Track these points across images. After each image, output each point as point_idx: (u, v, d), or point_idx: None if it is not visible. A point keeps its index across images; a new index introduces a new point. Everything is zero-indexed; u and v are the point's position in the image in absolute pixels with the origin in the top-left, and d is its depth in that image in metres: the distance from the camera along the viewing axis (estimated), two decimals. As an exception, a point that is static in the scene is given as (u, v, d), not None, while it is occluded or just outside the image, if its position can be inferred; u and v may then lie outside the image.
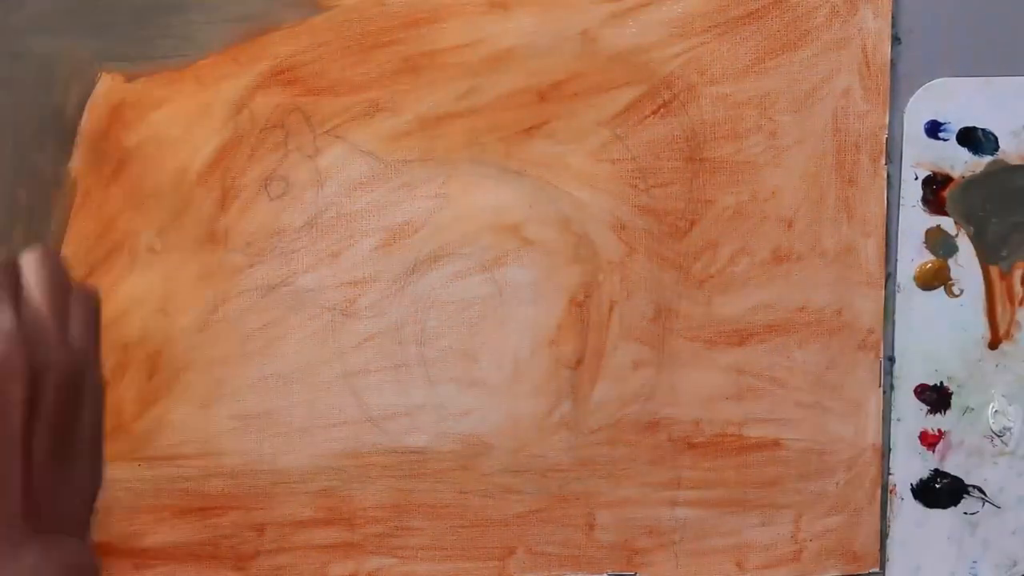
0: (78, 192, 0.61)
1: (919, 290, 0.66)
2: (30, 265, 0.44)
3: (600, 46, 0.62)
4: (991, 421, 0.66)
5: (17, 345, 0.41)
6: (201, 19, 0.60)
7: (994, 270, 0.66)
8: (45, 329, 0.42)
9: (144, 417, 0.63)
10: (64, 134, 0.60)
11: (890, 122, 0.64)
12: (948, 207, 0.65)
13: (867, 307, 0.65)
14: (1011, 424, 0.66)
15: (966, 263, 0.65)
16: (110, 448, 0.62)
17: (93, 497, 0.45)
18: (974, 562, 0.68)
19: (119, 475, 0.63)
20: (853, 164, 0.64)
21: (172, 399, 0.63)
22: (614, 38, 0.62)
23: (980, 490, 0.67)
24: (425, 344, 0.64)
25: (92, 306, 0.45)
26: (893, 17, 0.63)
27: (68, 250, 0.61)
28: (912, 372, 0.66)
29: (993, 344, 0.66)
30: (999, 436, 0.66)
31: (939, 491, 0.67)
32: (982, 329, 0.66)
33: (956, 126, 0.64)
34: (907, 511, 0.67)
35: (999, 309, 0.66)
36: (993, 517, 0.67)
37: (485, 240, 0.64)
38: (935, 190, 0.65)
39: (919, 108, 0.64)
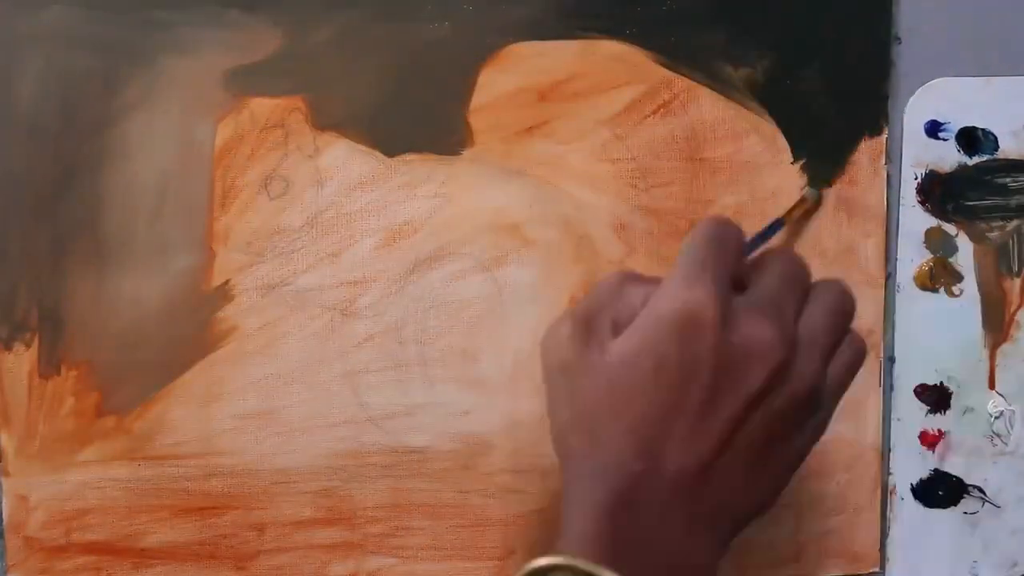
0: (78, 192, 0.61)
1: (919, 290, 0.66)
2: (828, 290, 0.45)
3: (600, 46, 0.62)
4: (990, 409, 0.66)
5: (790, 347, 0.42)
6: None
7: (994, 270, 0.66)
8: (816, 348, 0.43)
9: (144, 417, 0.63)
10: (64, 133, 0.60)
11: (890, 122, 0.64)
12: (948, 207, 0.65)
13: (867, 307, 0.65)
14: (1010, 407, 0.66)
15: (966, 263, 0.65)
16: (110, 448, 0.63)
17: (748, 517, 0.45)
18: (974, 562, 0.68)
19: (119, 475, 0.63)
20: (853, 164, 0.64)
21: (172, 399, 0.63)
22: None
23: (980, 490, 0.67)
24: (425, 344, 0.64)
25: (857, 358, 0.46)
26: (893, 17, 0.63)
27: (68, 250, 0.61)
28: (912, 372, 0.66)
29: (993, 344, 0.66)
30: (997, 419, 0.66)
31: (939, 491, 0.67)
32: (982, 329, 0.66)
33: (956, 126, 0.65)
34: (907, 511, 0.67)
35: (999, 309, 0.66)
36: (993, 517, 0.67)
37: (485, 240, 0.64)
38: (935, 190, 0.65)
39: (919, 108, 0.64)
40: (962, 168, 0.65)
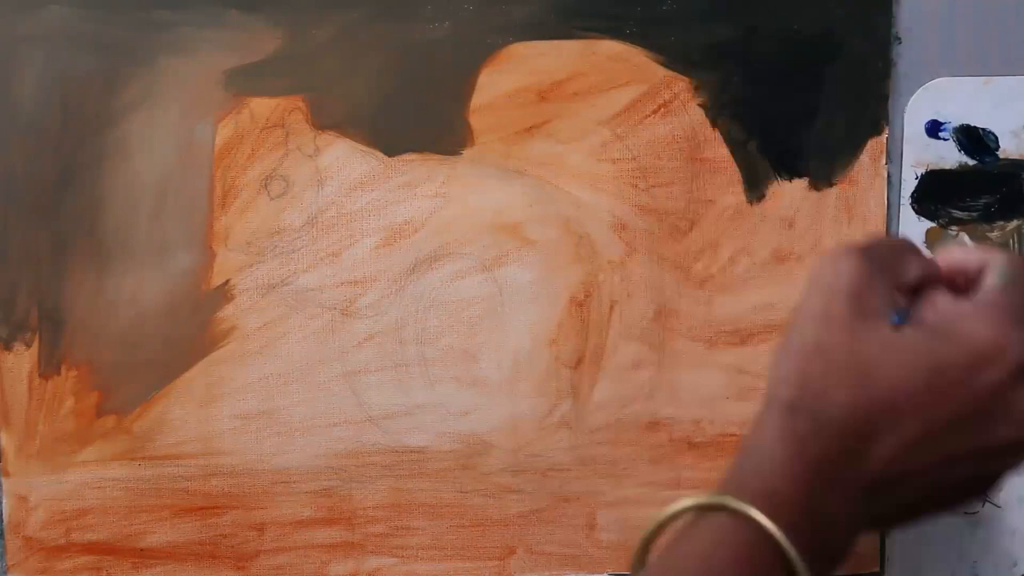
0: (78, 191, 0.61)
1: (919, 290, 0.65)
2: None
3: (600, 46, 0.62)
4: None
5: None
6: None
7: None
8: None
9: (144, 417, 0.63)
10: (64, 133, 0.60)
11: (890, 122, 0.64)
12: (948, 207, 0.65)
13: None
14: None
15: (966, 263, 0.65)
16: (110, 448, 0.63)
17: (908, 523, 0.45)
18: (974, 562, 0.68)
19: (119, 475, 0.63)
20: (853, 164, 0.64)
21: (172, 399, 0.63)
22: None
23: (980, 490, 0.67)
24: (425, 343, 0.64)
25: None
26: (893, 17, 0.63)
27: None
28: (912, 372, 0.66)
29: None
30: None
31: (939, 491, 0.67)
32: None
33: (956, 126, 0.64)
34: (907, 511, 0.67)
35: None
36: (993, 517, 0.67)
37: (485, 240, 0.64)
38: (935, 190, 0.65)
39: (919, 108, 0.64)
40: (962, 168, 0.65)
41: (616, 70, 0.63)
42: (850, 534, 0.42)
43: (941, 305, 0.43)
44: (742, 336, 0.65)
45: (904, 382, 0.41)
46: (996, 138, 0.65)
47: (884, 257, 0.43)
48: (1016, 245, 0.65)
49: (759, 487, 0.41)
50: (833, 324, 0.41)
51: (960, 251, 0.46)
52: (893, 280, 0.43)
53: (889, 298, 0.43)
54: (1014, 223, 0.65)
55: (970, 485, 0.44)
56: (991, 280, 0.43)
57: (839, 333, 0.41)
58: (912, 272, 0.44)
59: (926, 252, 0.46)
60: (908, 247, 0.45)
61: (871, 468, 0.41)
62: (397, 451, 0.64)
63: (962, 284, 0.45)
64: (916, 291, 0.44)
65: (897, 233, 0.65)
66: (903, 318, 0.42)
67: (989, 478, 0.44)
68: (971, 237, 0.65)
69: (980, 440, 0.41)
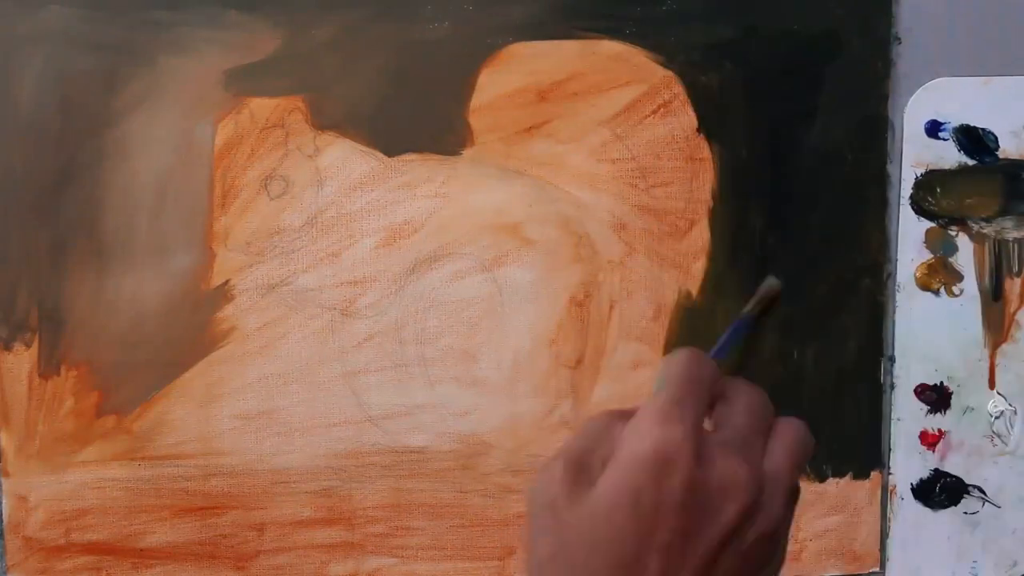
0: (78, 191, 0.61)
1: (919, 290, 0.66)
2: (789, 428, 0.45)
3: (600, 46, 0.62)
4: (990, 409, 0.66)
5: (759, 485, 0.43)
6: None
7: (993, 269, 0.66)
8: (780, 486, 0.44)
9: (144, 417, 0.63)
10: (64, 133, 0.61)
11: (890, 122, 0.64)
12: (948, 206, 0.65)
13: (867, 307, 0.65)
14: (1010, 406, 0.66)
15: (966, 263, 0.65)
16: (110, 448, 0.63)
17: None
18: (974, 562, 0.68)
19: (119, 475, 0.63)
20: (853, 164, 0.64)
21: (172, 399, 0.63)
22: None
23: (980, 490, 0.67)
24: (425, 344, 0.64)
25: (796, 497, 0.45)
26: (893, 17, 0.63)
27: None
28: (912, 372, 0.66)
29: (993, 344, 0.66)
30: (997, 418, 0.66)
31: (939, 491, 0.67)
32: (982, 329, 0.66)
33: (955, 126, 0.64)
34: (907, 511, 0.67)
35: (999, 309, 0.66)
36: (993, 517, 0.67)
37: (485, 240, 0.64)
38: (935, 190, 0.65)
39: (919, 108, 0.64)
40: (962, 167, 0.65)
41: (616, 70, 0.63)
42: None
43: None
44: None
45: (619, 534, 0.42)
46: (996, 138, 0.65)
47: (583, 452, 0.44)
48: (1016, 245, 0.65)
49: None
50: (548, 532, 0.43)
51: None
52: (599, 463, 0.44)
53: (589, 481, 0.43)
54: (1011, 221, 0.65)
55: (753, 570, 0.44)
56: (734, 415, 0.44)
57: (555, 534, 0.42)
58: (611, 446, 0.44)
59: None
60: (608, 422, 0.45)
61: None
62: (397, 451, 0.64)
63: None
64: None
65: (897, 233, 0.65)
66: (721, 351, 0.44)
67: (768, 557, 0.44)
68: (971, 237, 0.65)
69: (716, 531, 0.42)
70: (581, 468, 0.44)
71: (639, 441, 0.42)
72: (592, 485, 0.43)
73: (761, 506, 0.43)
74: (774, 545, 0.44)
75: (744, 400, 0.45)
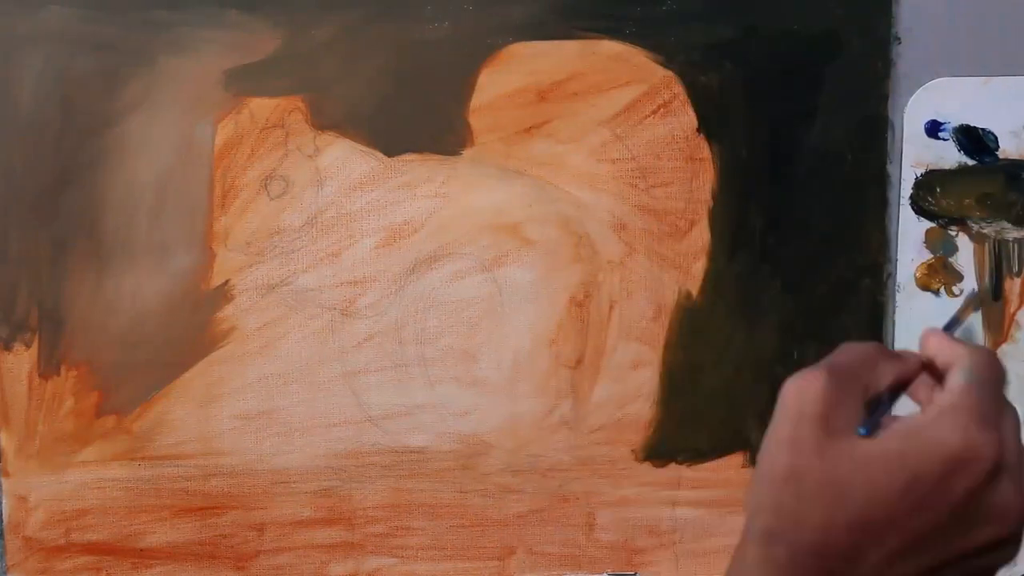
0: (78, 192, 0.61)
1: (919, 290, 0.66)
2: None
3: (600, 46, 0.62)
4: None
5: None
6: (201, 19, 0.60)
7: (993, 269, 0.66)
8: None
9: (144, 417, 0.63)
10: (64, 133, 0.61)
11: (890, 122, 0.64)
12: (948, 206, 0.65)
13: (867, 307, 0.65)
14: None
15: (966, 263, 0.65)
16: (110, 448, 0.63)
17: None
18: (974, 562, 0.67)
19: (119, 475, 0.63)
20: (853, 164, 0.64)
21: (172, 399, 0.63)
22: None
23: (980, 490, 0.67)
24: (425, 344, 0.64)
25: None
26: (893, 17, 0.63)
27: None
28: (912, 372, 0.66)
29: (993, 344, 0.66)
30: None
31: (939, 491, 0.67)
32: (982, 329, 0.66)
33: (955, 126, 0.64)
34: (907, 511, 0.67)
35: (999, 309, 0.66)
36: (993, 517, 0.67)
37: (485, 240, 0.64)
38: (935, 190, 0.65)
39: (919, 108, 0.64)
40: (962, 167, 0.65)
41: (616, 70, 0.63)
42: None
43: (908, 416, 0.43)
44: (742, 336, 0.65)
45: (878, 497, 0.41)
46: (996, 138, 0.65)
47: (851, 372, 0.44)
48: (1016, 245, 0.65)
49: None
50: (803, 448, 0.42)
51: (933, 343, 0.46)
52: (862, 394, 0.44)
53: (857, 414, 0.43)
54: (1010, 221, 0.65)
55: None
56: (956, 379, 0.43)
57: (809, 456, 0.41)
58: (883, 379, 0.45)
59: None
60: (876, 355, 0.45)
61: None
62: (397, 451, 0.64)
63: (935, 374, 0.45)
64: (895, 389, 0.45)
65: (897, 233, 0.65)
66: (870, 430, 0.43)
67: (983, 573, 0.44)
68: (971, 237, 0.65)
69: (963, 544, 0.42)
70: (847, 389, 0.42)
71: (950, 432, 0.41)
72: (854, 417, 0.42)
73: (1009, 544, 0.42)
74: (992, 573, 0.44)
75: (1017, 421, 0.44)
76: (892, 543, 0.41)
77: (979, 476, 0.41)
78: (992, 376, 0.43)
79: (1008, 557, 0.43)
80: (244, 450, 0.64)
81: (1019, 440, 0.43)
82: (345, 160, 0.62)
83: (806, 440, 0.41)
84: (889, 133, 0.64)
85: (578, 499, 0.65)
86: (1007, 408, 0.43)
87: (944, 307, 0.66)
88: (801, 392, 0.42)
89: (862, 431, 0.42)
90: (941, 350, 0.45)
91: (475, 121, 0.62)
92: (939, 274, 0.65)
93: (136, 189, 0.61)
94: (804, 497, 0.41)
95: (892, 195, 0.65)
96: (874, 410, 0.44)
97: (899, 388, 0.45)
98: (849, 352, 0.44)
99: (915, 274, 0.65)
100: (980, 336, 0.66)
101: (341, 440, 0.64)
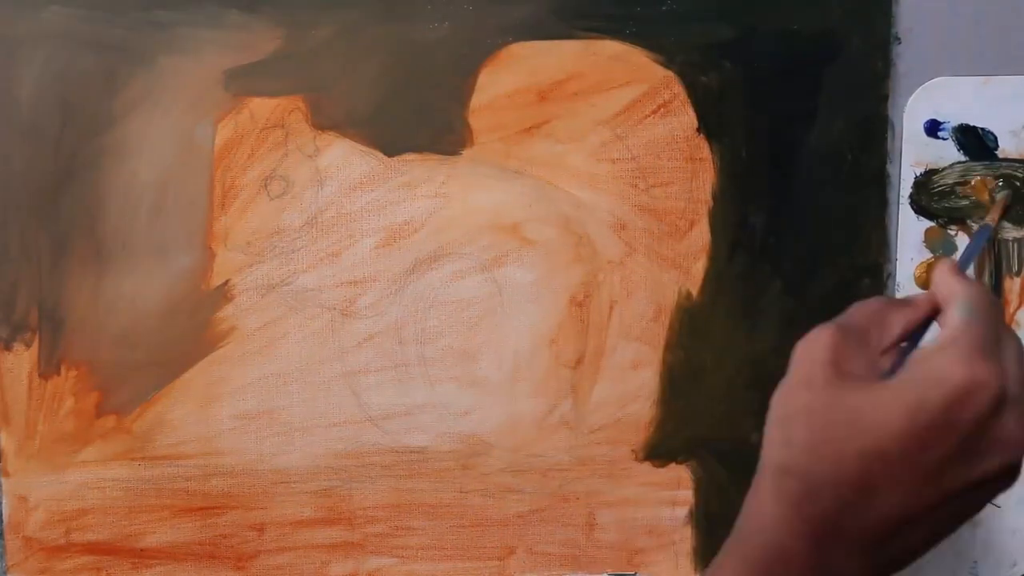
0: (78, 191, 0.61)
1: (919, 290, 0.66)
2: None
3: (600, 46, 0.62)
4: None
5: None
6: (201, 19, 0.60)
7: (993, 269, 0.66)
8: None
9: (144, 417, 0.63)
10: (64, 133, 0.61)
11: (890, 122, 0.64)
12: (948, 206, 0.65)
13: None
14: None
15: (966, 263, 0.65)
16: (110, 448, 0.63)
17: (904, 564, 0.45)
18: (974, 562, 0.68)
19: (119, 475, 0.63)
20: (853, 164, 0.64)
21: (172, 399, 0.63)
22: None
23: (980, 490, 0.67)
24: (425, 344, 0.64)
25: None
26: (893, 17, 0.63)
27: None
28: (912, 372, 0.66)
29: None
30: None
31: (939, 491, 0.67)
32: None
33: (955, 125, 0.64)
34: (907, 511, 0.67)
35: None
36: (993, 517, 0.67)
37: (485, 240, 0.64)
38: (935, 189, 0.65)
39: (919, 107, 0.64)
40: (962, 167, 0.65)
41: (616, 70, 0.63)
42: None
43: (917, 352, 0.44)
44: (742, 336, 0.65)
45: (888, 430, 0.42)
46: (995, 138, 0.65)
47: (860, 326, 0.45)
48: (1016, 245, 0.65)
49: (762, 543, 0.43)
50: (815, 386, 0.43)
51: (936, 278, 0.47)
52: (874, 345, 0.45)
53: (869, 363, 0.44)
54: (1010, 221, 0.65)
55: (967, 512, 0.45)
56: (955, 315, 0.44)
57: (822, 394, 0.43)
58: (895, 330, 0.46)
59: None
60: (884, 307, 0.46)
61: (872, 519, 0.42)
62: (397, 451, 0.64)
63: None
64: (916, 334, 0.46)
65: (897, 232, 0.65)
66: (893, 371, 0.44)
67: (983, 502, 0.45)
68: (969, 238, 0.65)
69: (973, 473, 0.42)
70: (856, 340, 0.44)
71: (952, 365, 0.42)
72: (870, 368, 0.43)
73: (1009, 473, 0.43)
74: (992, 496, 0.44)
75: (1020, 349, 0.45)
76: (903, 476, 0.42)
77: (984, 406, 0.41)
78: (990, 309, 0.44)
79: (1006, 486, 0.44)
80: (244, 450, 0.64)
81: (1022, 369, 0.43)
82: (345, 160, 0.62)
83: (817, 380, 0.43)
84: (889, 133, 0.64)
85: (578, 499, 0.65)
86: (1008, 338, 0.44)
87: (944, 307, 0.66)
88: (810, 344, 0.44)
89: (886, 373, 0.43)
90: (939, 286, 0.46)
91: (475, 121, 0.63)
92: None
93: (136, 189, 0.61)
94: (816, 430, 0.42)
95: (892, 195, 0.65)
96: (900, 359, 0.45)
97: (919, 332, 0.46)
98: (857, 309, 0.46)
99: (915, 274, 0.65)
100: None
101: (341, 440, 0.64)
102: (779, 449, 0.44)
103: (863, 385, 0.43)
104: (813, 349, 0.44)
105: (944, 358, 0.42)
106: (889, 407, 0.42)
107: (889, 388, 0.42)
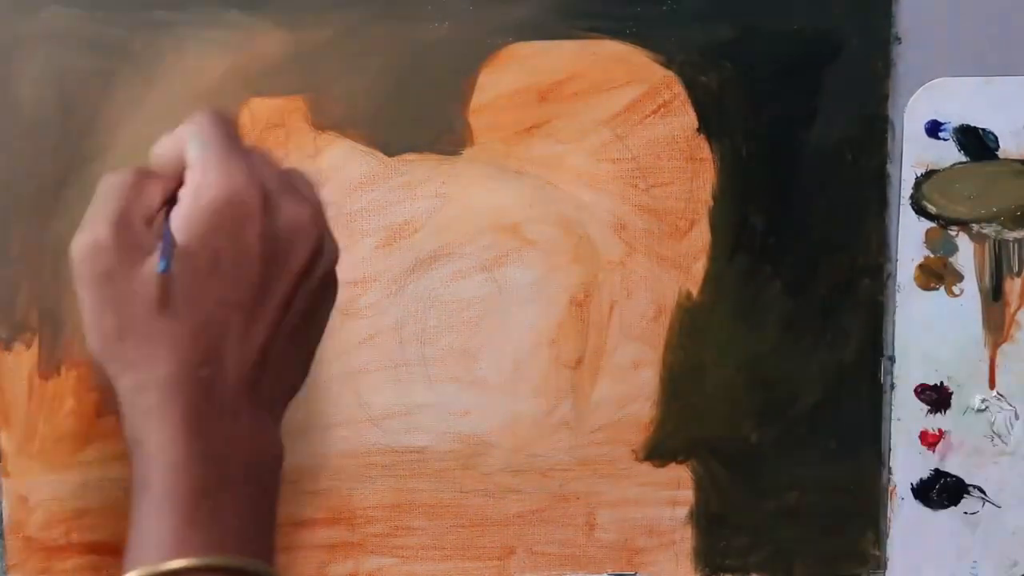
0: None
1: (919, 290, 0.66)
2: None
3: (600, 46, 0.62)
4: (975, 404, 0.66)
5: (322, 221, 0.44)
6: (201, 19, 0.60)
7: (993, 269, 0.66)
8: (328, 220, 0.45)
9: (144, 417, 0.63)
10: (64, 133, 0.60)
11: (890, 122, 0.64)
12: (948, 206, 0.65)
13: (867, 307, 0.65)
14: (995, 398, 0.66)
15: (966, 263, 0.65)
16: (110, 448, 0.63)
17: (295, 390, 0.47)
18: (974, 562, 0.68)
19: (118, 474, 0.63)
20: (853, 164, 0.64)
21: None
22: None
23: (980, 490, 0.67)
24: (425, 343, 0.64)
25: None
26: (893, 17, 0.63)
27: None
28: (912, 372, 0.66)
29: (993, 344, 0.66)
30: (981, 411, 0.66)
31: (939, 491, 0.67)
32: (982, 329, 0.66)
33: (956, 126, 0.64)
34: (907, 511, 0.67)
35: (999, 309, 0.66)
36: (993, 517, 0.67)
37: (485, 240, 0.64)
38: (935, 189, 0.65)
39: (919, 108, 0.64)
40: (962, 167, 0.65)
41: (616, 70, 0.63)
42: (265, 429, 0.44)
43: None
44: (742, 336, 0.65)
45: (190, 295, 0.42)
46: (996, 138, 0.65)
47: (123, 211, 0.44)
48: (1016, 245, 0.65)
49: (164, 460, 0.43)
50: (111, 305, 0.42)
51: (163, 145, 0.46)
52: (142, 224, 0.43)
53: (142, 244, 0.43)
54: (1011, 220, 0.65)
55: (317, 317, 0.46)
56: (190, 151, 0.44)
57: (121, 307, 0.42)
58: (154, 200, 0.44)
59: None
60: (138, 180, 0.45)
61: (233, 364, 0.42)
62: (397, 451, 0.64)
63: None
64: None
65: (897, 232, 0.65)
66: (168, 261, 0.42)
67: (321, 301, 0.46)
68: (971, 237, 0.65)
69: (288, 269, 0.43)
70: (128, 229, 0.43)
71: (207, 193, 0.41)
72: (142, 247, 0.42)
73: (324, 243, 0.44)
74: (334, 278, 0.46)
75: (261, 153, 0.45)
76: (235, 322, 0.42)
77: (255, 210, 0.42)
78: (216, 130, 0.44)
79: (333, 262, 0.45)
80: (244, 450, 0.64)
81: (273, 165, 0.44)
82: (345, 160, 0.62)
83: (110, 300, 0.42)
84: (889, 133, 0.64)
85: (578, 499, 0.65)
86: (244, 149, 0.44)
87: (944, 307, 0.66)
88: (83, 253, 0.43)
89: (161, 268, 0.42)
90: (172, 145, 0.45)
91: (475, 121, 0.62)
92: (939, 274, 0.66)
93: (136, 189, 0.61)
94: (139, 335, 0.42)
95: (892, 195, 0.65)
96: (165, 240, 0.43)
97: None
98: (110, 190, 0.44)
99: (915, 274, 0.65)
100: (981, 336, 0.66)
101: (341, 440, 0.64)
102: (119, 374, 0.43)
103: (152, 276, 0.42)
104: (91, 263, 0.43)
105: (197, 192, 0.42)
106: (178, 274, 0.41)
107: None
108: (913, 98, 0.64)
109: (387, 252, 0.63)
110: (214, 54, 0.61)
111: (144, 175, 0.45)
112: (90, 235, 0.43)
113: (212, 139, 0.44)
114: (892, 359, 0.66)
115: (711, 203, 0.64)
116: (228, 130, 0.45)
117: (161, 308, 0.41)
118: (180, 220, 0.42)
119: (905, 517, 0.67)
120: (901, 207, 0.65)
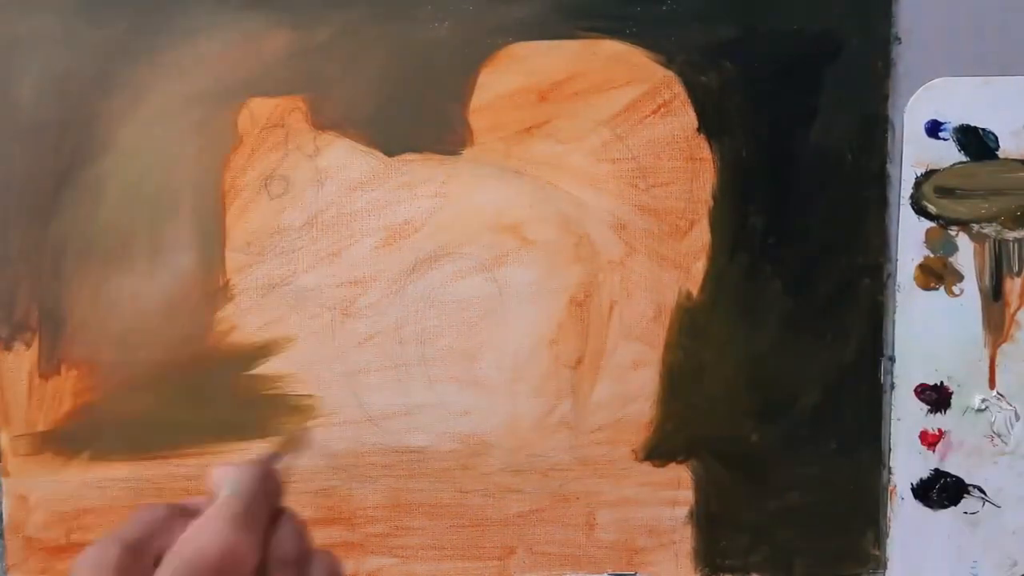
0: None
1: (919, 290, 0.66)
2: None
3: (600, 46, 0.62)
4: (975, 404, 0.66)
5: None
6: (201, 19, 0.60)
7: (993, 269, 0.66)
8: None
9: (144, 416, 0.63)
10: (64, 133, 0.60)
11: (890, 122, 0.64)
12: (948, 206, 0.65)
13: (867, 307, 0.65)
14: (995, 398, 0.66)
15: (966, 263, 0.65)
16: (109, 448, 0.63)
17: None
18: (974, 562, 0.68)
19: (118, 474, 0.63)
20: (853, 164, 0.64)
21: (172, 398, 0.63)
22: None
23: (980, 490, 0.67)
24: (425, 344, 0.64)
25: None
26: (893, 17, 0.63)
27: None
28: (912, 372, 0.66)
29: (993, 344, 0.66)
30: (981, 411, 0.66)
31: (939, 491, 0.67)
32: (982, 329, 0.66)
33: (956, 126, 0.64)
34: (907, 511, 0.67)
35: (999, 309, 0.66)
36: (993, 517, 0.67)
37: (485, 240, 0.64)
38: (935, 189, 0.65)
39: (919, 108, 0.64)
40: (962, 167, 0.65)
41: (616, 70, 0.63)
42: None
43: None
44: (742, 336, 0.65)
45: None
46: (996, 138, 0.65)
47: (141, 538, 0.44)
48: (1016, 245, 0.65)
49: None
50: None
51: (212, 475, 0.47)
52: (156, 553, 0.44)
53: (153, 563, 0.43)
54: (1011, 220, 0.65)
55: None
56: (221, 493, 0.45)
57: None
58: (177, 535, 0.44)
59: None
60: (167, 515, 0.45)
61: None
62: (397, 451, 0.64)
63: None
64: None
65: (897, 232, 0.65)
66: None
67: None
68: (971, 237, 0.65)
69: None
70: (136, 555, 0.43)
71: (209, 540, 0.43)
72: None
73: None
74: None
75: (297, 524, 0.46)
76: None
77: (246, 572, 0.42)
78: (257, 486, 0.45)
79: None
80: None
81: (299, 536, 0.44)
82: (345, 160, 0.62)
83: None
84: (889, 133, 0.64)
85: (578, 499, 0.65)
86: (263, 511, 0.44)
87: (944, 307, 0.66)
88: (83, 565, 0.43)
89: None
90: (211, 479, 0.46)
91: (475, 121, 0.63)
92: (939, 274, 0.66)
93: (136, 189, 0.61)
94: None
95: (892, 195, 0.65)
96: None
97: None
98: (138, 518, 0.45)
99: (915, 274, 0.65)
100: (981, 336, 0.66)
101: (341, 440, 0.64)
102: None
103: None
104: (95, 571, 0.42)
105: (200, 535, 0.42)
106: None
107: (158, 572, 0.41)
108: (913, 98, 0.64)
109: (387, 252, 0.63)
110: (214, 54, 0.61)
111: (178, 513, 0.46)
112: (98, 551, 0.43)
113: (248, 489, 0.44)
114: (892, 359, 0.66)
115: (711, 203, 0.64)
116: (267, 487, 0.45)
117: None
118: (164, 566, 0.43)
119: (905, 517, 0.67)
120: (901, 207, 0.65)
